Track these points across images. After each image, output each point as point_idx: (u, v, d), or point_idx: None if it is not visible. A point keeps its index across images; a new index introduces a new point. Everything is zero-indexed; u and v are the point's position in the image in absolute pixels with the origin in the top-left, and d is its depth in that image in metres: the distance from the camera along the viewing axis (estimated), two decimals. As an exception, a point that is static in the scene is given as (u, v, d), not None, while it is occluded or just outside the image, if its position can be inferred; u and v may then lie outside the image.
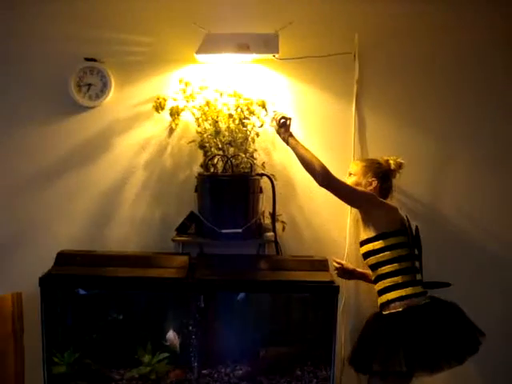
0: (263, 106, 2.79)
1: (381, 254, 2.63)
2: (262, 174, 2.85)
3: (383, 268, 2.63)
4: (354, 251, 2.99)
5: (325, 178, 2.56)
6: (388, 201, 2.76)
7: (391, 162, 2.79)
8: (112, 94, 2.93)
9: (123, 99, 2.95)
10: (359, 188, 2.71)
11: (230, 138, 2.79)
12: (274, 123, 2.72)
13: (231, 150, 2.82)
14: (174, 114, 2.83)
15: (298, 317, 2.90)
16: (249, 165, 2.83)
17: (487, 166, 3.01)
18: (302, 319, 2.90)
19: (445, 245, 3.02)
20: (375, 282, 2.70)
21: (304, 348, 2.86)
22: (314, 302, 2.83)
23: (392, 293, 2.61)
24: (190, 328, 2.71)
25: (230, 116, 2.77)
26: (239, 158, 2.81)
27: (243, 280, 2.70)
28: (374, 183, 2.73)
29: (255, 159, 2.87)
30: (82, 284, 2.73)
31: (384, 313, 2.64)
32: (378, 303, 2.68)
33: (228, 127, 2.78)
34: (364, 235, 2.71)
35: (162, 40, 2.92)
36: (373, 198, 2.67)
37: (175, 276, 2.67)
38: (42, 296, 2.62)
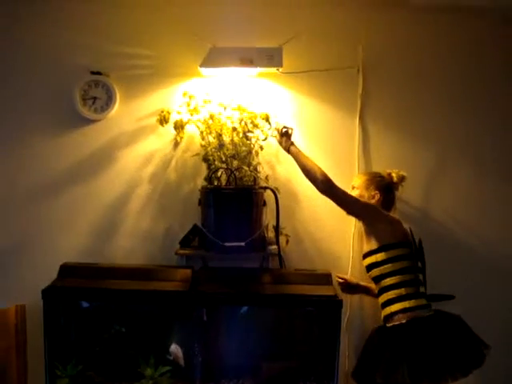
0: (267, 120, 2.79)
1: (384, 266, 2.62)
2: (266, 187, 2.84)
3: (386, 280, 2.62)
4: (357, 265, 2.97)
5: (326, 185, 2.59)
6: (391, 213, 2.75)
7: (393, 174, 2.80)
8: (117, 108, 2.95)
9: (128, 112, 2.97)
10: (362, 199, 2.72)
11: (233, 152, 2.79)
12: (276, 133, 2.76)
13: (235, 163, 2.82)
14: (179, 127, 2.84)
15: (301, 331, 2.87)
16: (252, 178, 2.83)
17: (488, 175, 3.03)
18: (306, 333, 2.87)
19: (445, 255, 3.01)
20: (379, 294, 2.68)
21: (307, 362, 2.83)
22: (318, 315, 2.81)
23: (395, 305, 2.60)
24: (193, 341, 2.70)
25: (234, 129, 2.78)
26: (243, 171, 2.81)
27: (246, 293, 2.69)
28: (377, 196, 2.74)
29: (259, 172, 2.87)
30: (85, 296, 2.73)
31: (388, 325, 2.62)
32: (382, 316, 2.67)
33: (232, 140, 2.79)
34: (367, 247, 2.70)
35: (166, 54, 2.94)
36: (375, 210, 2.69)
37: (178, 289, 2.67)
38: (45, 308, 2.62)
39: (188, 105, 2.83)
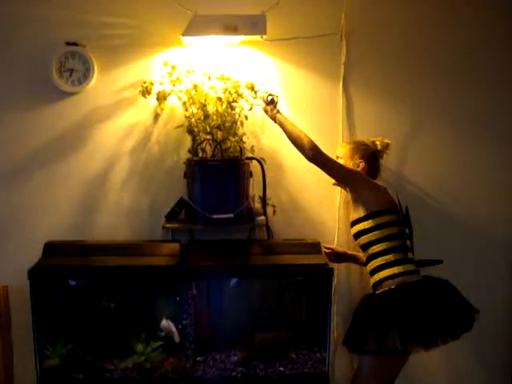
0: (252, 89, 2.74)
1: (372, 233, 2.62)
2: (252, 158, 2.81)
3: (374, 247, 2.62)
4: (344, 233, 3.00)
5: (313, 152, 2.56)
6: (377, 181, 2.75)
7: (378, 142, 2.79)
8: (95, 79, 2.84)
9: (107, 84, 2.87)
10: (348, 166, 2.71)
11: (218, 122, 2.74)
12: (261, 101, 2.72)
13: (219, 133, 2.77)
14: (161, 98, 2.75)
15: (291, 300, 2.88)
16: (238, 149, 2.79)
17: (472, 141, 3.05)
18: (296, 303, 2.88)
19: (428, 221, 3.03)
20: (367, 262, 2.69)
21: (298, 331, 2.85)
22: (308, 284, 2.82)
23: (384, 271, 2.60)
24: (183, 315, 2.67)
25: (219, 99, 2.72)
26: (228, 142, 2.76)
27: (237, 265, 2.67)
28: (362, 165, 2.73)
29: (244, 143, 2.83)
30: (72, 275, 2.66)
31: (377, 292, 2.64)
32: (371, 283, 2.67)
33: (216, 111, 2.73)
34: (354, 215, 2.69)
35: (145, 22, 2.83)
36: (362, 177, 2.68)
37: (167, 263, 2.63)
38: (32, 289, 2.54)
39: (170, 75, 2.75)
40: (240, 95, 2.74)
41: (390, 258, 2.60)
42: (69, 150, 2.88)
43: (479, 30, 2.98)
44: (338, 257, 2.93)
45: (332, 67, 2.92)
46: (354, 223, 2.70)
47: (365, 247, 2.67)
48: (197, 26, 2.65)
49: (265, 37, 2.72)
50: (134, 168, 2.92)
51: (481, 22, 2.97)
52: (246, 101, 2.78)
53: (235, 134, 2.78)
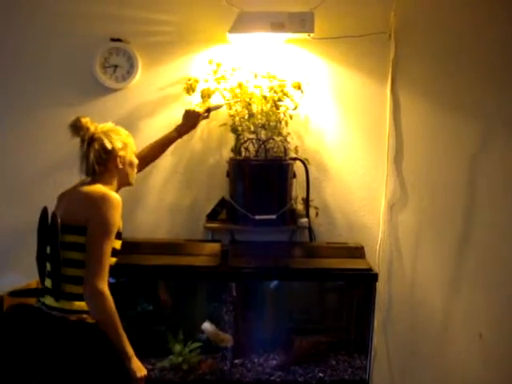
0: (299, 88, 2.69)
1: None
2: (296, 159, 2.76)
3: None
4: (388, 237, 2.92)
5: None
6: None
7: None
8: (139, 76, 2.82)
9: (150, 81, 2.84)
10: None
11: (263, 121, 2.69)
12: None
13: (264, 133, 2.72)
14: (205, 96, 2.72)
15: (332, 305, 2.84)
16: (282, 149, 2.73)
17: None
18: (337, 307, 2.84)
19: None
20: None
21: (338, 337, 2.80)
22: (350, 289, 2.76)
23: None
24: (223, 317, 2.64)
25: (264, 98, 2.67)
26: (272, 141, 2.71)
27: (278, 268, 2.61)
28: None
29: (288, 143, 2.77)
30: (111, 272, 2.63)
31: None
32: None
33: (261, 110, 2.68)
34: None
35: (190, 19, 2.80)
36: None
37: (208, 264, 2.59)
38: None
39: (215, 72, 2.71)
40: (285, 94, 2.70)
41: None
42: (111, 146, 2.86)
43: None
44: None
45: (380, 67, 2.83)
46: None
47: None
48: (243, 23, 2.61)
49: (312, 35, 2.67)
50: (176, 166, 2.89)
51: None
52: (292, 100, 2.73)
53: (279, 134, 2.73)
